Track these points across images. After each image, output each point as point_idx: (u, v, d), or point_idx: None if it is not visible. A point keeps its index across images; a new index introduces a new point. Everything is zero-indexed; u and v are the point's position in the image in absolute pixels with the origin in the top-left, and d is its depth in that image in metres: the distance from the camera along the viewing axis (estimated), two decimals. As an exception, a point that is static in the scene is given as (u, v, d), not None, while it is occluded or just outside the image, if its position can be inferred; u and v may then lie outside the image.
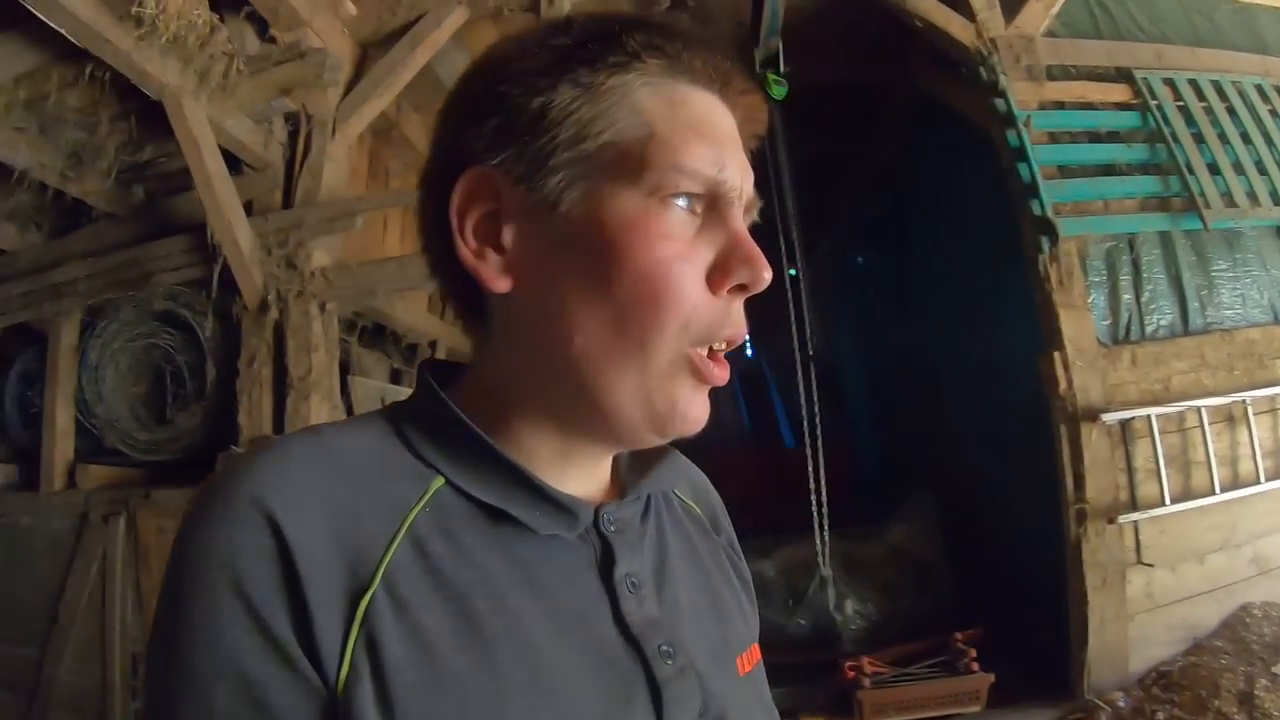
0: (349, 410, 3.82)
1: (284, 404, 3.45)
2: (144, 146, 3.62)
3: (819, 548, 4.14)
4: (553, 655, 0.56)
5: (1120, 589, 3.14)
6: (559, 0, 3.54)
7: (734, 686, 0.69)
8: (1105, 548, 3.12)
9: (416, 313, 4.47)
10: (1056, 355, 3.27)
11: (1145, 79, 3.62)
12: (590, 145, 0.60)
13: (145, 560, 3.59)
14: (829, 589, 4.15)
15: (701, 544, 0.78)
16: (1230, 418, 3.37)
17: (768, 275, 0.63)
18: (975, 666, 3.32)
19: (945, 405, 5.08)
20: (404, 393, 4.17)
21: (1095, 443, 3.17)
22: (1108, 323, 3.42)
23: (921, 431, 5.73)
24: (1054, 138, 3.50)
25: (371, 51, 3.89)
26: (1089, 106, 3.60)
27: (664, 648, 0.62)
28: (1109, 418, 3.16)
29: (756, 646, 0.76)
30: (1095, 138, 3.57)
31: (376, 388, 4.17)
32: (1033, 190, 3.30)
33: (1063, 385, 3.25)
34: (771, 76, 4.13)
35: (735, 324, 0.64)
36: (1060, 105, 3.57)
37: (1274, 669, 3.02)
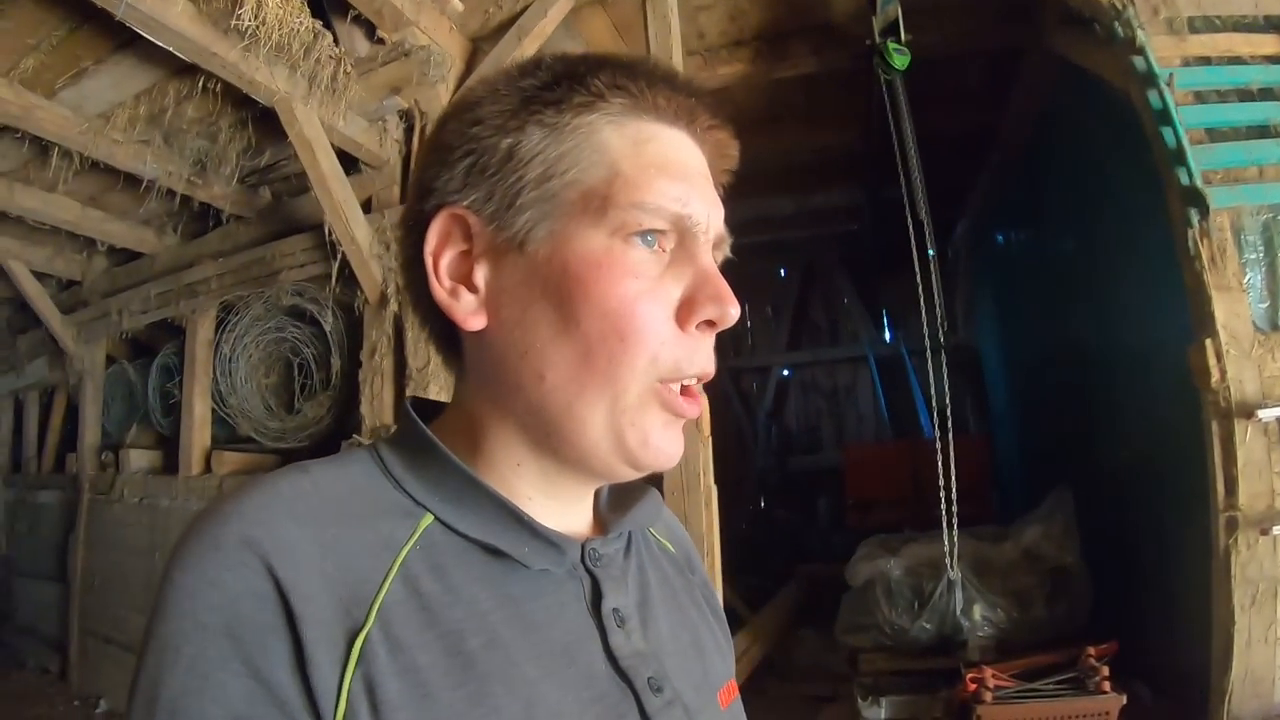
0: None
1: (404, 395, 3.58)
2: (264, 150, 3.90)
3: (947, 548, 3.96)
4: (545, 690, 0.58)
5: (1272, 608, 2.87)
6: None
7: (717, 719, 0.72)
8: (1257, 561, 2.86)
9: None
10: (1208, 343, 3.01)
11: (1299, 28, 3.28)
12: (556, 184, 0.63)
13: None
14: (956, 592, 3.99)
15: (677, 581, 0.81)
16: (1407, 416, 3.00)
17: (735, 311, 0.65)
18: (1107, 686, 3.14)
19: (1089, 396, 4.82)
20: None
21: (1250, 442, 2.91)
22: (1266, 306, 3.12)
23: (1063, 424, 5.46)
24: (1200, 97, 3.21)
25: (481, 45, 4.00)
26: (1237, 61, 3.27)
27: (653, 680, 0.64)
28: (1266, 414, 2.89)
29: (734, 681, 0.79)
30: (1247, 96, 3.25)
31: (497, 377, 4.28)
32: (1179, 157, 3.05)
33: (1214, 377, 2.99)
34: (891, 45, 3.97)
35: (704, 359, 0.66)
36: (1206, 61, 3.28)
37: None
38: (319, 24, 3.26)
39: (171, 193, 4.06)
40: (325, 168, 3.51)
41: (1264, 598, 2.85)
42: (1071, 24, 3.71)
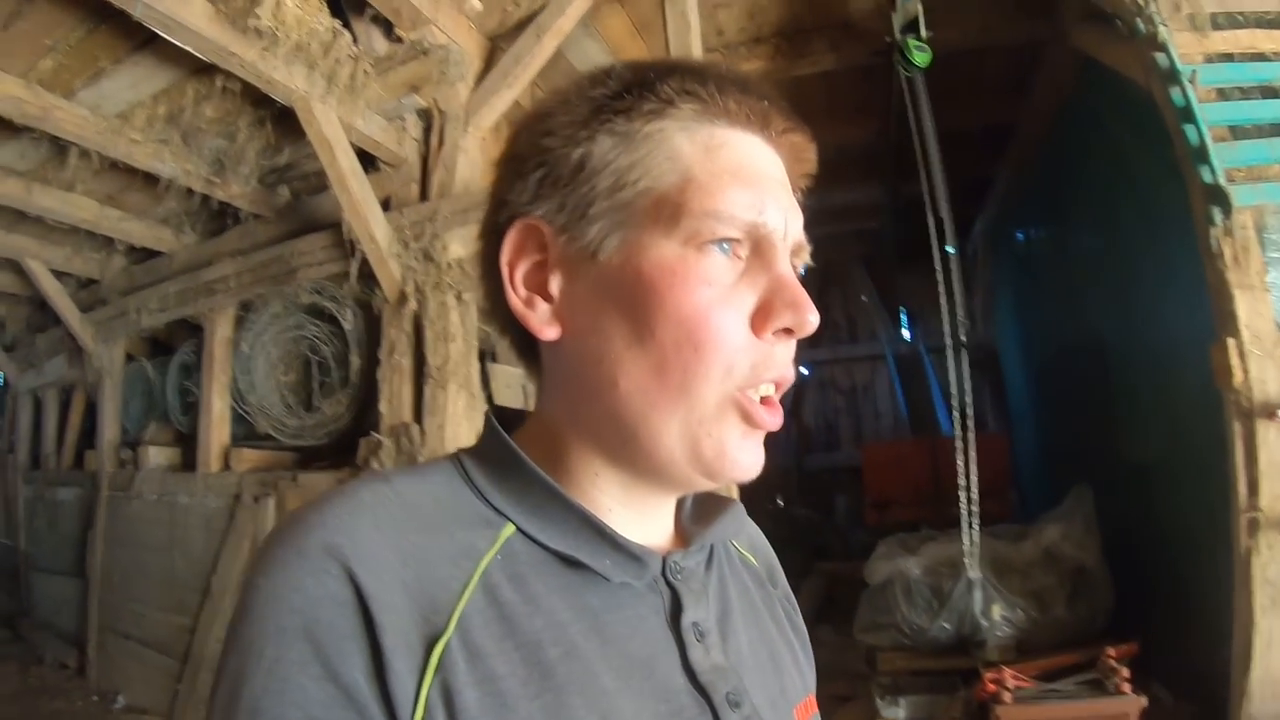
0: (489, 398, 3.99)
1: (423, 393, 3.65)
2: (282, 149, 3.96)
3: (966, 547, 3.97)
4: (622, 703, 0.58)
5: (1293, 611, 2.86)
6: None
7: None
8: (1278, 563, 2.87)
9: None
10: (1230, 342, 3.02)
11: (1323, 24, 3.28)
12: (627, 194, 0.64)
13: (291, 539, 3.86)
14: (976, 592, 4.01)
15: (758, 595, 0.81)
16: None
17: (814, 319, 0.64)
18: (1127, 688, 3.15)
19: (1111, 395, 4.81)
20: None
21: (1272, 443, 2.92)
22: (1289, 305, 3.10)
23: (1083, 423, 5.45)
24: (1223, 94, 3.21)
25: (500, 44, 4.03)
26: (1260, 57, 3.27)
27: (731, 696, 0.64)
28: (1289, 415, 2.88)
29: (813, 698, 0.79)
30: (1270, 93, 3.24)
31: (517, 375, 4.34)
32: (1201, 154, 3.05)
33: (1237, 376, 2.99)
34: (912, 42, 3.98)
35: (781, 367, 0.65)
36: (1229, 57, 3.27)
37: None
38: (337, 23, 3.30)
39: (190, 191, 4.12)
40: (344, 166, 3.55)
41: (1286, 600, 2.86)
42: (1093, 20, 3.70)
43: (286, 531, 0.57)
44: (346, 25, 3.44)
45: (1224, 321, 3.06)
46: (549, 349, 0.69)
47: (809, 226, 0.70)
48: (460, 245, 3.76)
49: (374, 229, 3.69)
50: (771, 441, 0.68)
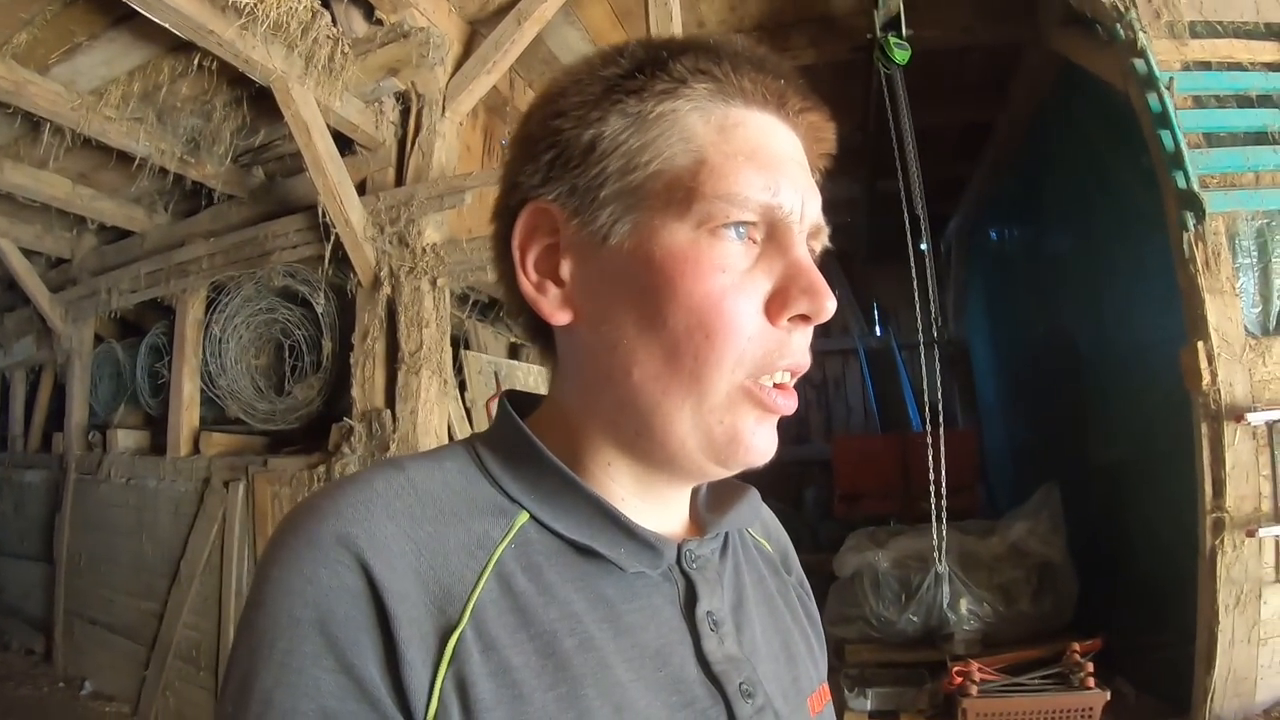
0: (461, 385, 3.94)
1: (395, 378, 3.61)
2: (258, 130, 3.87)
3: (935, 541, 3.99)
4: (635, 694, 0.58)
5: (1255, 609, 2.93)
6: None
7: None
8: (1242, 563, 2.91)
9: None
10: (1200, 346, 3.05)
11: (1299, 36, 3.31)
12: (638, 176, 0.61)
13: (261, 523, 3.86)
14: (943, 586, 4.04)
15: (773, 583, 0.80)
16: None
17: (831, 305, 0.62)
18: (1091, 682, 3.19)
19: (1081, 395, 4.85)
20: (520, 367, 4.22)
21: (1238, 445, 2.96)
22: (1258, 310, 3.17)
23: (1053, 422, 5.50)
24: (1199, 102, 3.25)
25: (480, 29, 3.98)
26: (1237, 67, 3.31)
27: (744, 686, 0.63)
28: (1255, 418, 2.94)
29: (826, 687, 0.78)
30: (1245, 102, 3.28)
31: (489, 362, 4.30)
32: (1176, 160, 3.07)
33: (1205, 379, 3.02)
34: (892, 40, 3.99)
35: (796, 353, 0.63)
36: (1206, 66, 3.31)
37: None
38: (317, 3, 3.23)
39: (163, 171, 4.01)
40: (320, 148, 3.49)
41: (1248, 598, 2.90)
42: (1073, 24, 3.72)
43: (299, 520, 0.56)
44: (326, 5, 3.38)
45: (1194, 325, 3.09)
46: (562, 334, 0.68)
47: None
48: (435, 230, 3.73)
49: (349, 212, 3.63)
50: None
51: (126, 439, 4.82)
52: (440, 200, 3.64)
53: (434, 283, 3.64)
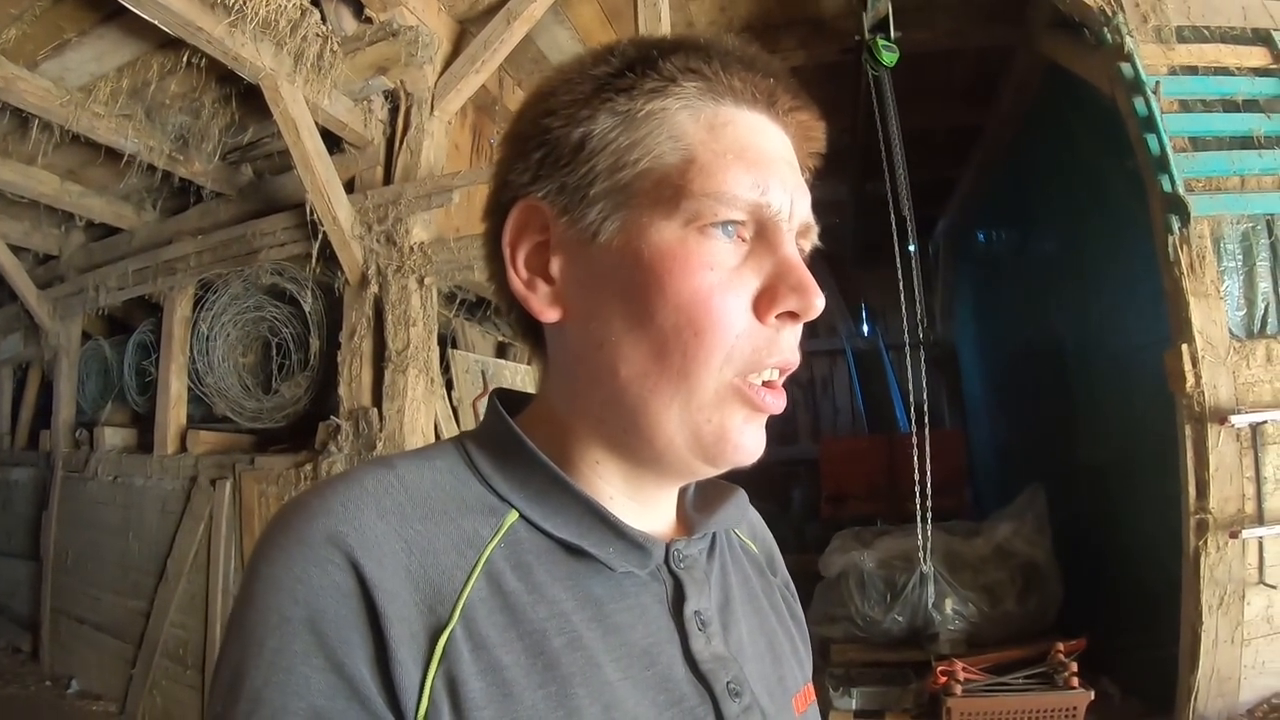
0: (448, 384, 3.92)
1: (382, 377, 3.59)
2: (246, 127, 3.84)
3: (920, 542, 3.98)
4: (624, 693, 0.58)
5: (1238, 610, 2.93)
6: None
7: None
8: (1225, 563, 2.91)
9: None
10: (1184, 349, 3.06)
11: (1285, 41, 3.32)
12: (627, 174, 0.61)
13: (249, 522, 3.83)
14: (928, 586, 4.03)
15: (759, 583, 0.80)
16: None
17: (819, 302, 0.61)
18: (1075, 682, 3.20)
19: (1067, 397, 4.86)
20: (508, 366, 4.21)
21: (1222, 447, 2.96)
22: (1242, 314, 3.17)
23: (1039, 423, 5.51)
24: (1185, 106, 3.26)
25: (469, 28, 3.95)
26: (1224, 71, 3.32)
27: (731, 685, 0.63)
28: (1238, 420, 2.94)
29: (811, 687, 0.78)
30: (1231, 106, 3.29)
31: (477, 361, 4.27)
32: (1162, 164, 3.07)
33: (1189, 382, 3.02)
34: (880, 42, 3.97)
35: (785, 351, 0.63)
36: (1192, 70, 3.31)
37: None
38: (306, 1, 3.20)
39: (152, 168, 3.97)
40: (309, 147, 3.46)
41: (1231, 599, 2.90)
42: (1061, 28, 3.72)
43: (289, 518, 0.56)
44: (315, 3, 3.35)
45: (1179, 327, 3.09)
46: (551, 332, 0.67)
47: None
48: (423, 229, 3.70)
49: (337, 211, 3.60)
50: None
51: (114, 437, 4.77)
52: (428, 199, 3.62)
53: (421, 281, 3.61)
